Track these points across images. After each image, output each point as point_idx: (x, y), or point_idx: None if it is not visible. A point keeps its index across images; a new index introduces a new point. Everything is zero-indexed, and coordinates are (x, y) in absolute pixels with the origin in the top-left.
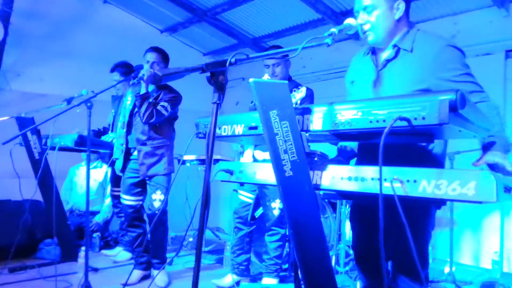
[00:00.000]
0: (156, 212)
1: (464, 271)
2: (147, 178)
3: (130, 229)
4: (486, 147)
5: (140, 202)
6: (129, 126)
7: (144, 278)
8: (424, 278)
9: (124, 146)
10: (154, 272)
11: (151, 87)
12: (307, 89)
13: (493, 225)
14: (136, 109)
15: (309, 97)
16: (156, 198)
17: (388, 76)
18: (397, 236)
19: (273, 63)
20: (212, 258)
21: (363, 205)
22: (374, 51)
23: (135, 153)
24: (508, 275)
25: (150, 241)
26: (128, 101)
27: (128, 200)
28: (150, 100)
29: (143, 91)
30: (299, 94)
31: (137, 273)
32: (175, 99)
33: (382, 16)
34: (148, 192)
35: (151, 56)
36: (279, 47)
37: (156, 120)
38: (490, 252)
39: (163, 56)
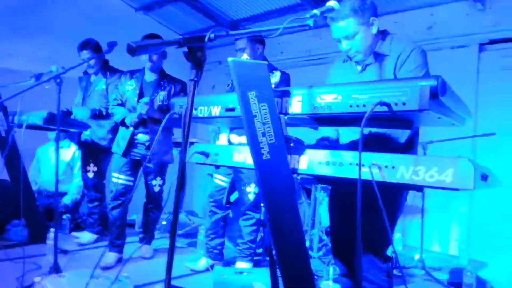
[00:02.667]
0: (157, 195)
1: (433, 258)
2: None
3: (114, 206)
4: None
5: (131, 183)
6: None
7: (119, 261)
8: (387, 256)
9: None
10: (143, 246)
11: (154, 76)
12: (282, 73)
13: (461, 213)
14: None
15: (284, 81)
16: (156, 183)
17: (368, 78)
18: (368, 218)
19: (240, 47)
20: (185, 241)
21: (341, 192)
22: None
23: (141, 137)
24: (475, 262)
25: (145, 219)
26: (131, 86)
27: (120, 178)
28: (163, 93)
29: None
30: (273, 79)
31: (113, 255)
32: (185, 89)
33: (364, 37)
34: (145, 176)
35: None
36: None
37: None
38: (459, 239)
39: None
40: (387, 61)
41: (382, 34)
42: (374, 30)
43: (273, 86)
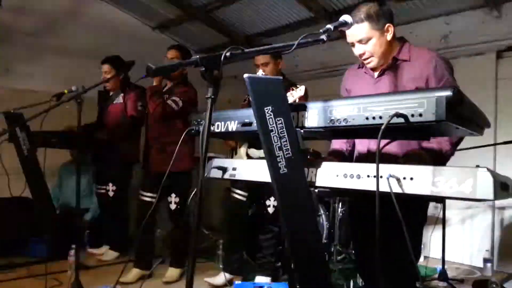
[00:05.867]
0: (177, 216)
1: (456, 269)
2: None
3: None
4: None
5: (154, 200)
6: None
7: (142, 277)
8: (414, 272)
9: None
10: (171, 269)
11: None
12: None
13: (484, 224)
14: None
15: (306, 96)
16: (172, 200)
17: (386, 83)
18: (390, 231)
19: (262, 62)
20: (204, 256)
21: (360, 205)
22: None
23: None
24: (499, 273)
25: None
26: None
27: (144, 196)
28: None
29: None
30: (298, 93)
31: (135, 272)
32: (187, 93)
33: (378, 43)
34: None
35: (172, 53)
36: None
37: (163, 114)
38: (482, 250)
39: (185, 54)
40: (407, 67)
41: (399, 41)
42: (389, 37)
43: (297, 100)
